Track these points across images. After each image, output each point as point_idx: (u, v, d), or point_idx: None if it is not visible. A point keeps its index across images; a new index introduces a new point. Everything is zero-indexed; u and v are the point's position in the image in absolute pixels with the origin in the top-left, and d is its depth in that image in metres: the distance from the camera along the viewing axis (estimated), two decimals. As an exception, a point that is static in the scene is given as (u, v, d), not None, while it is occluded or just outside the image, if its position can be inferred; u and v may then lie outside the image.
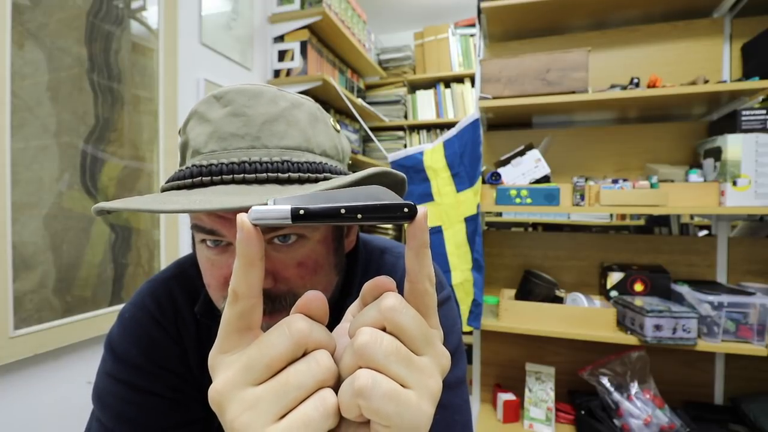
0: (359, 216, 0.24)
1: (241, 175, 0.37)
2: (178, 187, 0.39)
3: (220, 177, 0.37)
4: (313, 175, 0.40)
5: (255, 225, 0.24)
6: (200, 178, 0.38)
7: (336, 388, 0.25)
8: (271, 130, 0.40)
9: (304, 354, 0.25)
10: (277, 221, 0.24)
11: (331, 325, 0.30)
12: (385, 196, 0.25)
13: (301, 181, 0.39)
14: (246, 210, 0.32)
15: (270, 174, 0.38)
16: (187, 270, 0.55)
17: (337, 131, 0.48)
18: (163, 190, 0.40)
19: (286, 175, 0.38)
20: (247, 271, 0.24)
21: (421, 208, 0.25)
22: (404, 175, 0.42)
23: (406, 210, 0.24)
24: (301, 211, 0.24)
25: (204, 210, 0.31)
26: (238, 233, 0.24)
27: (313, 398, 0.23)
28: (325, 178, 0.40)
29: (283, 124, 0.41)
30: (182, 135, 0.44)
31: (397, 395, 0.23)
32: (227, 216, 0.38)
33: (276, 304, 0.40)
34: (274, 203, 0.25)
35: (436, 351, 0.26)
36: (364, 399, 0.22)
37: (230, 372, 0.24)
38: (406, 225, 0.25)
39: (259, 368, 0.24)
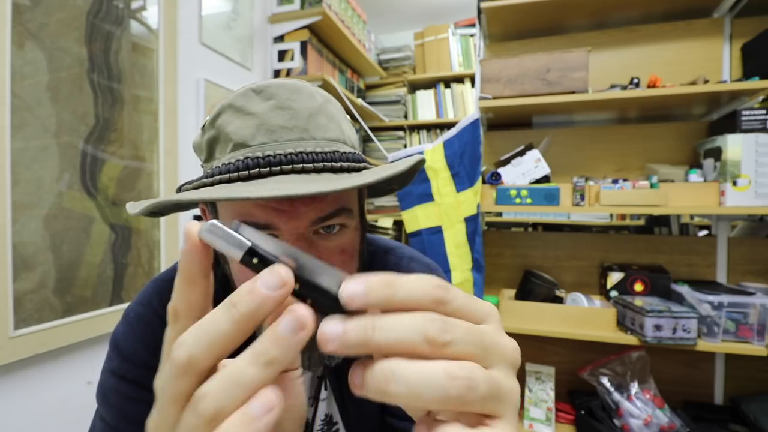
0: (297, 285, 0.21)
1: (300, 165, 0.38)
2: (230, 180, 0.39)
3: (279, 167, 0.38)
4: (356, 165, 0.42)
5: (201, 239, 0.21)
6: (257, 169, 0.38)
7: None
8: (316, 123, 0.41)
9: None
10: (227, 250, 0.21)
11: None
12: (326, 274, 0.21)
13: (349, 170, 0.41)
14: (312, 198, 0.34)
15: (325, 164, 0.39)
16: None
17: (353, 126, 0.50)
18: (206, 185, 0.40)
19: (339, 164, 0.40)
20: (187, 288, 0.22)
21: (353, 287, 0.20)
22: (424, 161, 0.46)
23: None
24: (255, 258, 0.21)
25: (300, 195, 0.32)
26: (184, 243, 0.22)
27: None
28: (365, 167, 0.43)
29: (324, 118, 0.42)
30: (208, 130, 0.43)
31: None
32: (283, 208, 0.39)
33: None
34: (237, 230, 0.21)
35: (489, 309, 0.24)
36: (499, 401, 0.21)
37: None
38: None
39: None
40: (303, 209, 0.39)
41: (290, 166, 0.38)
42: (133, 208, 0.40)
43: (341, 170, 0.40)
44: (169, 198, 0.37)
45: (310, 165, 0.38)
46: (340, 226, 0.42)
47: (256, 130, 0.40)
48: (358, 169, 0.42)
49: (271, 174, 0.38)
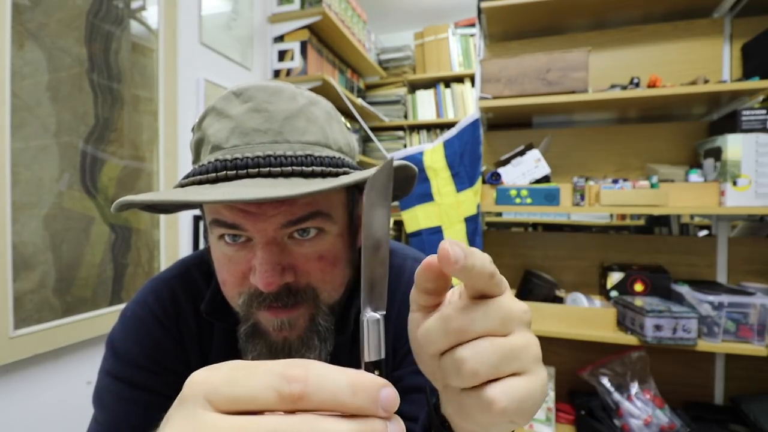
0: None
1: (267, 169, 0.38)
2: (200, 182, 0.39)
3: (245, 171, 0.38)
4: (334, 170, 0.40)
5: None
6: (225, 172, 0.38)
7: None
8: (292, 126, 0.41)
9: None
10: (366, 343, 0.24)
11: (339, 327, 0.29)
12: None
13: (323, 175, 0.40)
14: (280, 201, 0.34)
15: (295, 167, 0.38)
16: (190, 270, 0.55)
17: (349, 129, 0.48)
18: (182, 185, 0.40)
19: (310, 168, 0.39)
20: None
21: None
22: (416, 170, 0.44)
23: None
24: (377, 371, 0.24)
25: (244, 200, 0.32)
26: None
27: None
28: (345, 173, 0.41)
29: (303, 121, 0.41)
30: (196, 132, 0.44)
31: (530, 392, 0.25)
32: (251, 210, 0.39)
33: (296, 297, 0.41)
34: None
35: (515, 317, 0.26)
36: (520, 414, 0.24)
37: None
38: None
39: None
40: (271, 212, 0.39)
41: (257, 170, 0.38)
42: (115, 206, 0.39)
43: (313, 175, 0.39)
44: (129, 198, 0.35)
45: (278, 169, 0.38)
46: (318, 230, 0.41)
47: (230, 132, 0.40)
48: (336, 174, 0.40)
49: (237, 177, 0.38)
